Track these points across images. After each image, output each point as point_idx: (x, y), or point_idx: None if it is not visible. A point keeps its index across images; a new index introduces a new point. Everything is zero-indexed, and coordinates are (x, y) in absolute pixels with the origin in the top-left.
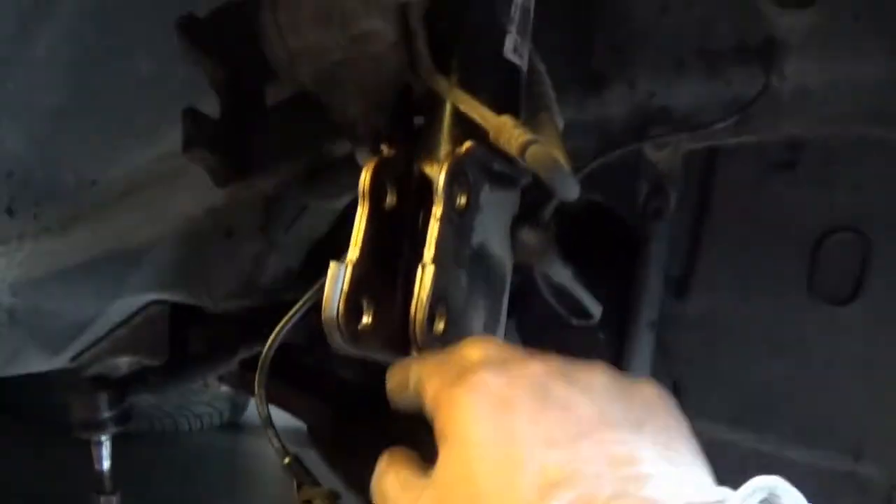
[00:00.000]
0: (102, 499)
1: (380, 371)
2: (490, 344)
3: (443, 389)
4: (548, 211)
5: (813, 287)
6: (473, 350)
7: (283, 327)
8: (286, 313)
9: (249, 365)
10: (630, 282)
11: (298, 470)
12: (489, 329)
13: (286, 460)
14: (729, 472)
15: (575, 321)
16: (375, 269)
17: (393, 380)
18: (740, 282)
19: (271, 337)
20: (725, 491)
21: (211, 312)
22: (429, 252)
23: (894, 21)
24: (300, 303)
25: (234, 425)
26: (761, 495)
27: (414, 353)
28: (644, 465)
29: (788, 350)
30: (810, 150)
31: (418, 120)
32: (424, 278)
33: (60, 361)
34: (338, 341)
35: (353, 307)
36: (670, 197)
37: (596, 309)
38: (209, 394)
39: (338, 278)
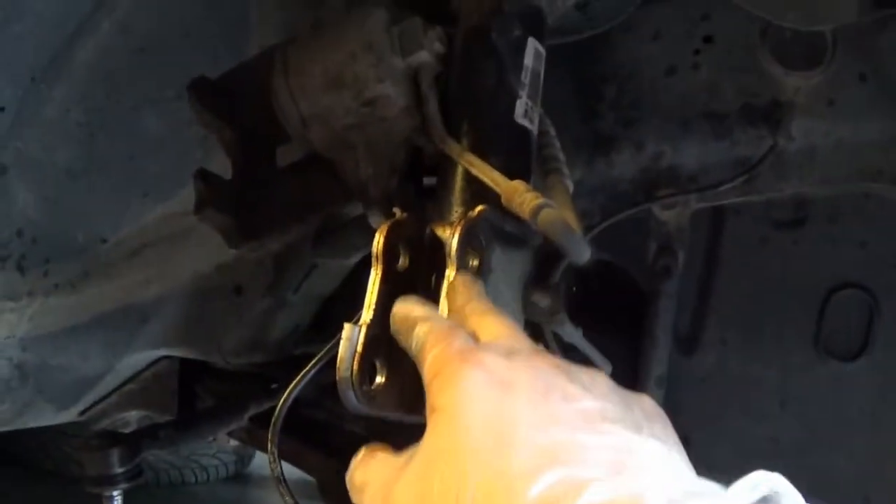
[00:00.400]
0: None
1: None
2: (504, 328)
3: (443, 359)
4: (558, 272)
5: (820, 343)
6: (486, 329)
7: (295, 386)
8: (295, 368)
9: (258, 420)
10: (639, 339)
11: None
12: None
13: None
14: None
15: None
16: (388, 330)
17: (397, 320)
18: (748, 338)
19: (284, 395)
20: (719, 486)
21: (220, 368)
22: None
23: None
24: (313, 361)
25: (240, 477)
26: (763, 492)
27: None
28: (639, 457)
29: (796, 406)
30: (817, 207)
31: (429, 181)
32: None
33: (69, 416)
34: (352, 402)
35: (367, 368)
36: (678, 255)
37: (606, 366)
38: (216, 446)
39: (352, 340)
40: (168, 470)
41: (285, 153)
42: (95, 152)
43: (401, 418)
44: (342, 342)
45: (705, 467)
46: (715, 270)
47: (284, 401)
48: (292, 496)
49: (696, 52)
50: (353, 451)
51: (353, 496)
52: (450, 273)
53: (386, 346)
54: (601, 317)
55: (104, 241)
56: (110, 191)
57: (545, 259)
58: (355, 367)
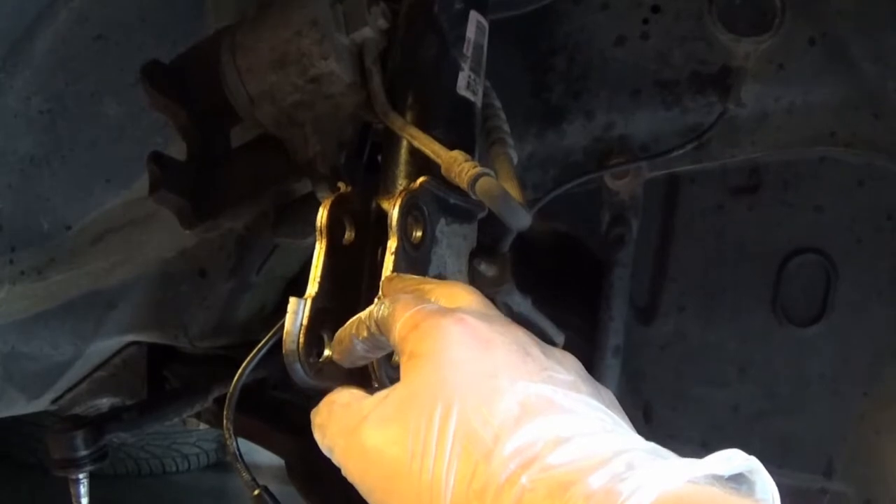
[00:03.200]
0: None
1: None
2: (475, 296)
3: (422, 315)
4: (505, 243)
5: (778, 309)
6: (456, 298)
7: (248, 363)
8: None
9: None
10: (596, 309)
11: (268, 502)
12: None
13: (255, 492)
14: None
15: None
16: (335, 303)
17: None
18: (706, 305)
19: (238, 373)
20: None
21: (188, 352)
22: None
23: (847, 45)
24: (264, 339)
25: (221, 465)
26: (738, 467)
27: (374, 386)
28: (618, 424)
29: (756, 372)
30: (771, 173)
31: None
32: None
33: (41, 404)
34: (299, 375)
35: (313, 341)
36: (632, 224)
37: (558, 336)
38: (196, 434)
39: (297, 313)
40: (148, 459)
41: (241, 133)
42: (57, 139)
43: None
44: (288, 315)
45: (667, 436)
46: (671, 239)
47: (239, 378)
48: (248, 471)
49: (645, 21)
50: None
51: (316, 435)
52: (391, 244)
53: (333, 319)
54: (557, 289)
55: (68, 227)
56: (73, 177)
57: (491, 230)
58: (301, 339)
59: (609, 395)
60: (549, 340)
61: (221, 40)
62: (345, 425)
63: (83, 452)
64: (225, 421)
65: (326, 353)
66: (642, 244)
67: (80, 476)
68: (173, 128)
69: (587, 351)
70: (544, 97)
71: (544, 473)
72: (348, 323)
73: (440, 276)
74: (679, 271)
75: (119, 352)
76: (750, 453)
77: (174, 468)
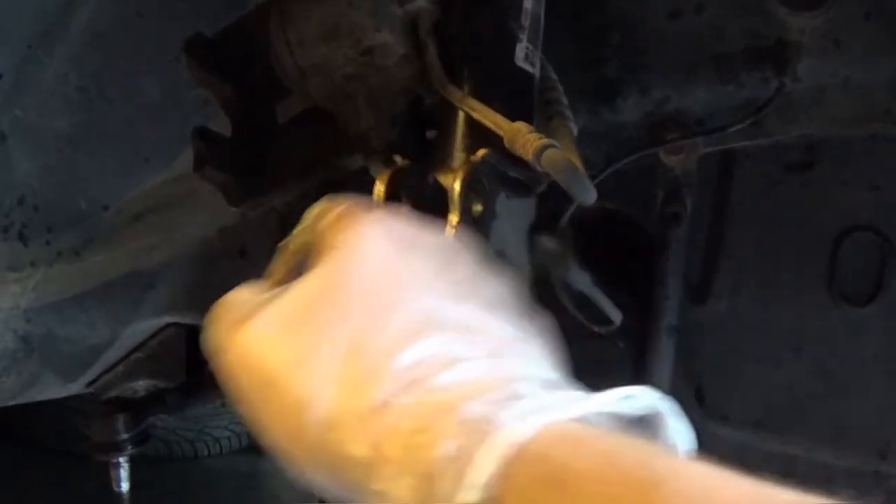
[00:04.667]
0: None
1: None
2: None
3: (345, 211)
4: (565, 217)
5: (833, 288)
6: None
7: None
8: None
9: None
10: (649, 288)
11: None
12: None
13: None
14: (755, 475)
15: (596, 328)
16: None
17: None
18: (760, 284)
19: None
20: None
21: None
22: None
23: None
24: None
25: (253, 449)
26: (644, 409)
27: None
28: (521, 349)
29: (810, 351)
30: (827, 150)
31: (431, 134)
32: None
33: (77, 387)
34: None
35: None
36: (687, 201)
37: (616, 315)
38: (227, 418)
39: None
40: (181, 443)
41: (286, 109)
42: (95, 118)
43: None
44: None
45: (719, 417)
46: (725, 216)
47: None
48: None
49: None
50: None
51: (203, 336)
52: (452, 218)
53: None
54: (610, 269)
55: (106, 207)
56: (111, 157)
57: (552, 204)
58: None
59: (541, 327)
60: (606, 319)
61: (269, 13)
62: (230, 320)
63: (125, 436)
64: None
65: None
66: (696, 222)
67: (122, 460)
68: (216, 104)
69: (640, 330)
70: (598, 72)
71: (425, 396)
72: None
73: (500, 252)
74: (733, 249)
75: (157, 333)
76: (804, 434)
77: (206, 452)
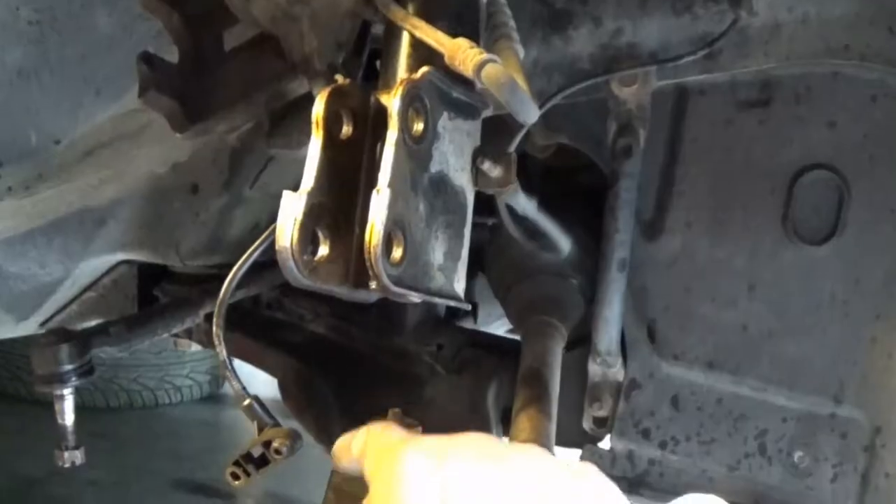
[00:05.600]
0: (66, 454)
1: (348, 325)
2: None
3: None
4: (512, 143)
5: (789, 226)
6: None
7: (241, 265)
8: (255, 270)
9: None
10: (600, 223)
11: (258, 412)
12: (449, 261)
13: (245, 402)
14: (708, 414)
15: (545, 256)
16: (332, 201)
17: (336, 448)
18: (714, 222)
19: (230, 274)
20: None
21: (178, 272)
22: (383, 176)
23: None
24: (259, 240)
25: (214, 397)
26: None
27: (372, 286)
28: None
29: (765, 291)
30: (783, 87)
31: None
32: (378, 202)
33: (30, 327)
34: (293, 273)
35: (307, 238)
36: (639, 134)
37: (564, 243)
38: (189, 367)
39: (292, 208)
40: (141, 391)
41: (234, 37)
42: (46, 52)
43: (344, 293)
44: (281, 210)
45: (671, 355)
46: (678, 153)
47: (231, 278)
48: (240, 381)
49: None
50: (315, 350)
51: None
52: (391, 135)
53: (330, 217)
54: (560, 204)
55: (58, 142)
56: (63, 91)
57: (497, 129)
58: (295, 235)
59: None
60: (554, 245)
61: None
62: None
63: (68, 367)
64: (215, 328)
65: (322, 251)
66: (649, 158)
67: (66, 392)
68: (167, 37)
69: (591, 266)
70: (549, 1)
71: None
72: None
73: (442, 174)
74: (686, 186)
75: (109, 272)
76: (757, 375)
77: (167, 400)
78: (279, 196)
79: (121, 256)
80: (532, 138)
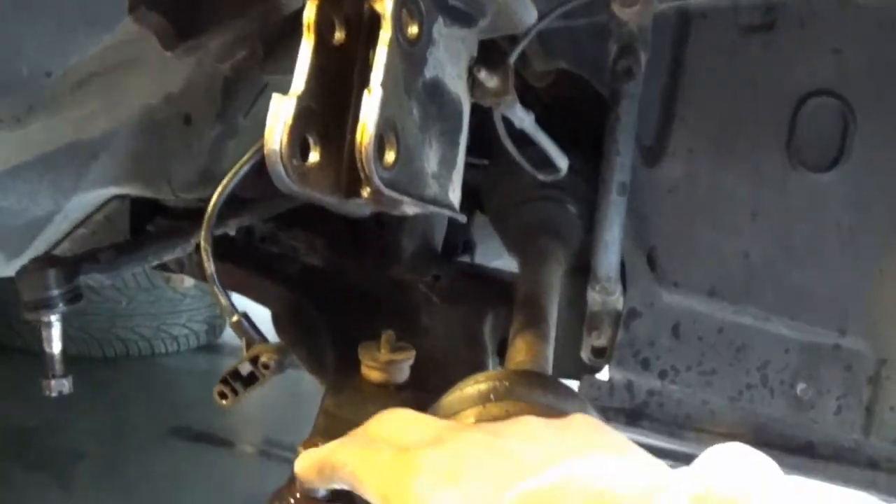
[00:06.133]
0: (53, 382)
1: (343, 256)
2: (404, 416)
3: (389, 483)
4: (511, 54)
5: (792, 152)
6: (396, 429)
7: (232, 176)
8: (246, 204)
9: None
10: (601, 145)
11: (247, 328)
12: (444, 169)
13: (234, 318)
14: (709, 344)
15: (542, 175)
16: (322, 108)
17: (303, 466)
18: (716, 148)
19: (220, 187)
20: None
21: (171, 207)
22: (375, 76)
23: None
24: (250, 151)
25: (211, 347)
26: (719, 463)
27: (364, 193)
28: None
29: (768, 219)
30: (787, 12)
31: None
32: (370, 102)
33: (20, 264)
34: (282, 178)
35: (297, 141)
36: (640, 56)
37: (562, 160)
38: (185, 315)
39: (281, 111)
40: (137, 341)
41: None
42: None
43: (334, 201)
44: (270, 113)
45: (672, 283)
46: (680, 77)
47: (221, 190)
48: (227, 297)
49: None
50: (309, 281)
51: None
52: (384, 35)
53: (320, 123)
54: (559, 128)
55: (49, 74)
56: (54, 21)
57: (494, 40)
58: (284, 138)
59: (577, 420)
60: (551, 163)
61: None
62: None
63: (55, 292)
64: (203, 243)
65: (312, 157)
66: (650, 84)
67: (53, 318)
68: None
69: (589, 194)
70: None
71: None
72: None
73: (436, 80)
74: (688, 111)
75: (101, 207)
76: (759, 305)
77: (164, 350)
78: None
79: (113, 191)
80: (531, 65)
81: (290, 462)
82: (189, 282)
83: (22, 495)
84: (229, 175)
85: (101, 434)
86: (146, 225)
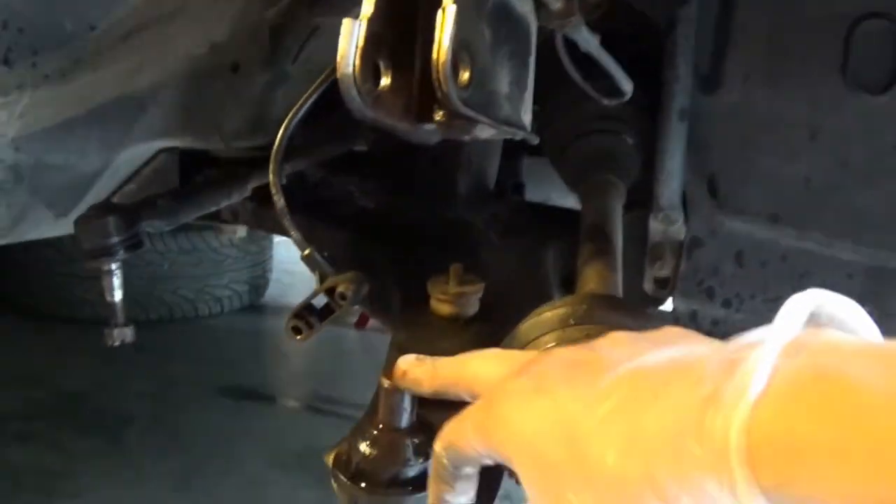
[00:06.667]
0: (116, 331)
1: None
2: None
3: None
4: None
5: (848, 75)
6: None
7: (301, 105)
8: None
9: (265, 200)
10: (659, 72)
11: (319, 260)
12: (516, 90)
13: (306, 252)
14: (772, 271)
15: (606, 101)
16: (392, 30)
17: (408, 364)
18: (773, 72)
19: (288, 118)
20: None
21: (222, 157)
22: None
23: None
24: (317, 82)
25: (254, 307)
26: (802, 315)
27: (437, 116)
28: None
29: (827, 141)
30: None
31: None
32: (446, 18)
33: (68, 223)
34: (355, 102)
35: (370, 65)
36: None
37: (627, 84)
38: (228, 276)
39: (353, 34)
40: (181, 303)
41: None
42: None
43: (406, 127)
44: (341, 37)
45: (733, 210)
46: (734, 4)
47: (290, 120)
48: (298, 231)
49: None
50: (366, 223)
51: None
52: None
53: (390, 48)
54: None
55: (93, 27)
56: None
57: None
58: (357, 62)
59: (668, 329)
60: (616, 87)
61: None
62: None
63: (116, 239)
64: (271, 175)
65: (384, 81)
66: (704, 12)
67: (114, 266)
68: None
69: (647, 125)
70: None
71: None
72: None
73: (504, 1)
74: (743, 37)
75: (149, 161)
76: (821, 229)
77: (207, 312)
78: (321, 70)
79: (162, 143)
80: None
81: (337, 416)
82: (242, 231)
83: (74, 458)
84: (295, 107)
85: (149, 396)
86: (194, 178)
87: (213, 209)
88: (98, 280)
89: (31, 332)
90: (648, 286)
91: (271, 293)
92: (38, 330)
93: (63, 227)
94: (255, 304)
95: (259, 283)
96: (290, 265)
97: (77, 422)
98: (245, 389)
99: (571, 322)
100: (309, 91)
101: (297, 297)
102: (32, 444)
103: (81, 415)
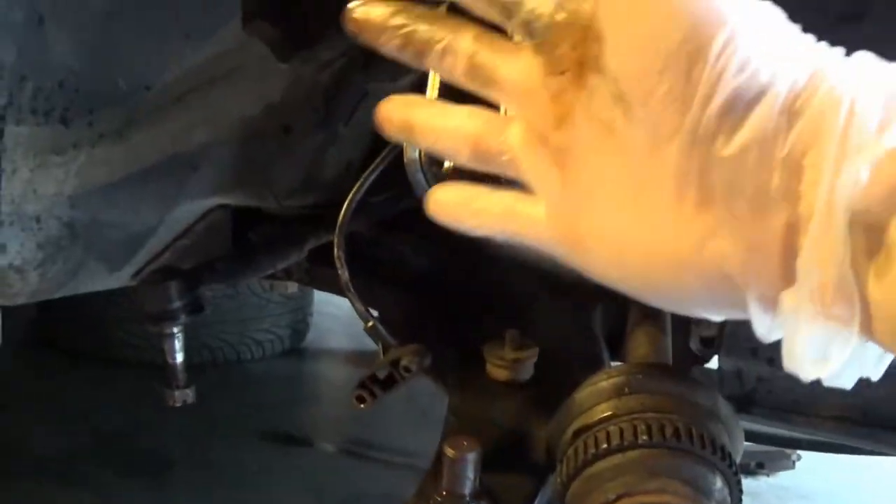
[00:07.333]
0: (177, 393)
1: (449, 256)
2: None
3: None
4: None
5: None
6: None
7: (368, 175)
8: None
9: (317, 258)
10: None
11: (382, 332)
12: None
13: (369, 323)
14: None
15: None
16: None
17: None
18: None
19: (353, 189)
20: None
21: (274, 214)
22: None
23: None
24: (383, 154)
25: (295, 352)
26: None
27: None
28: None
29: None
30: None
31: None
32: None
33: (122, 277)
34: (421, 185)
35: None
36: None
37: None
38: (269, 321)
39: None
40: (223, 347)
41: None
42: None
43: None
44: None
45: None
46: None
47: (355, 193)
48: (361, 303)
49: None
50: (419, 283)
51: None
52: None
53: None
54: None
55: (148, 87)
56: (150, 33)
57: None
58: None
59: None
60: None
61: None
62: None
63: (177, 304)
64: (336, 249)
65: (447, 163)
66: None
67: (175, 330)
68: None
69: None
70: None
71: None
72: None
73: None
74: None
75: (202, 217)
76: None
77: (249, 356)
78: (371, 134)
79: (215, 201)
80: None
81: (376, 462)
82: (293, 287)
83: (114, 500)
84: (360, 181)
85: (191, 438)
86: (247, 234)
87: (271, 271)
88: (140, 323)
89: (73, 373)
90: (694, 345)
91: (311, 337)
92: (80, 371)
93: (116, 281)
94: (296, 347)
95: (300, 327)
96: (330, 309)
97: (118, 464)
98: (285, 433)
99: (626, 391)
100: (371, 167)
101: (336, 343)
102: (74, 486)
103: (122, 456)
